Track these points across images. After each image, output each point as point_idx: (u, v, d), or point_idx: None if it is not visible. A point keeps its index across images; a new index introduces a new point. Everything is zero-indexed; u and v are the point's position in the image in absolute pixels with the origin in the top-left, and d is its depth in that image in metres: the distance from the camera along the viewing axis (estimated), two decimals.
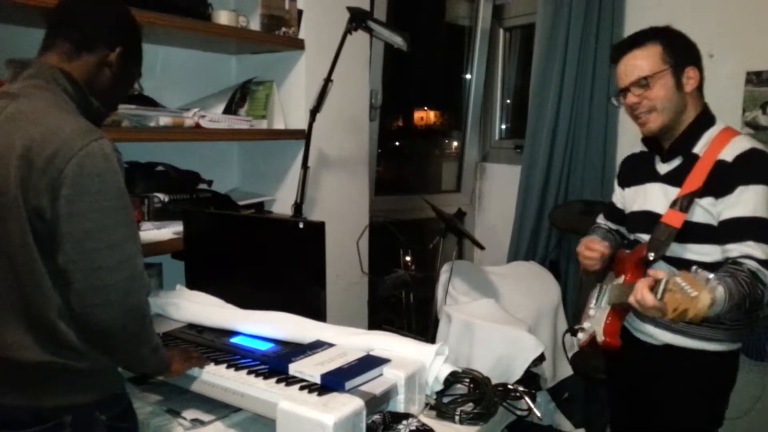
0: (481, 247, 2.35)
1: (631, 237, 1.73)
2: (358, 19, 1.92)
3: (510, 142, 3.40)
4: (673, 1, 2.56)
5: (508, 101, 3.52)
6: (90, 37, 1.22)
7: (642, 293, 1.33)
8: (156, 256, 2.02)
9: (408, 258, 2.64)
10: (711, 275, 1.26)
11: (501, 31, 3.39)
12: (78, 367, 1.15)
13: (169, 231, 1.93)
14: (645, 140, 1.68)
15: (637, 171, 1.70)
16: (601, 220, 1.90)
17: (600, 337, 1.60)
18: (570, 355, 2.05)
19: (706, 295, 1.20)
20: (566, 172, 2.82)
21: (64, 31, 1.21)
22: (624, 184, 1.76)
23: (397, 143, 3.57)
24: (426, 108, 3.67)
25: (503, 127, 3.53)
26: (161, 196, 1.95)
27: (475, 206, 3.52)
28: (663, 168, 1.62)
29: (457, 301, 2.23)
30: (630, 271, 1.60)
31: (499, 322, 1.91)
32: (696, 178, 1.49)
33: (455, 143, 3.63)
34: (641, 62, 1.53)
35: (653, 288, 1.30)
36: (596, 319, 1.67)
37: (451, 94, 3.53)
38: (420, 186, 3.66)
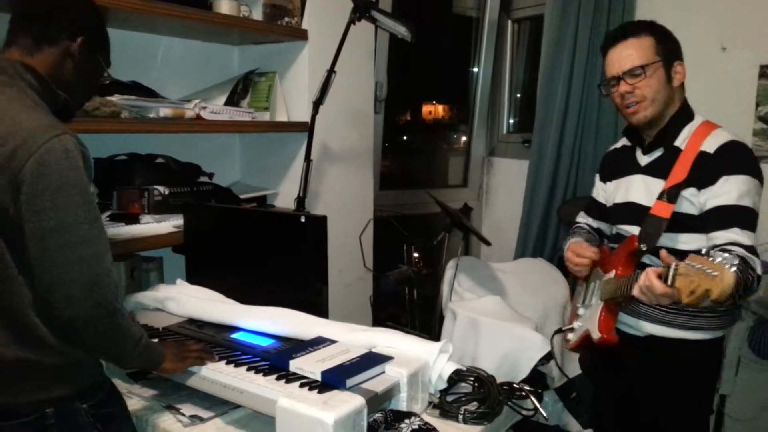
0: (488, 243, 2.31)
1: (613, 230, 1.76)
2: (361, 9, 1.88)
3: (518, 136, 3.35)
4: None
5: (517, 95, 3.47)
6: (49, 29, 1.20)
7: (650, 280, 1.34)
8: (156, 250, 1.99)
9: (413, 254, 2.61)
10: (725, 255, 1.26)
11: (509, 22, 3.34)
12: (51, 362, 1.15)
13: (169, 224, 1.91)
14: (627, 132, 1.72)
15: (619, 164, 1.73)
16: (581, 218, 1.92)
17: (596, 335, 1.60)
18: (561, 355, 2.05)
19: (728, 273, 1.20)
20: (575, 167, 2.78)
21: (24, 25, 1.20)
22: (606, 178, 1.79)
23: (402, 137, 3.53)
24: (433, 101, 3.63)
25: (511, 120, 3.48)
26: (161, 188, 1.92)
27: (482, 201, 3.48)
28: (644, 160, 1.65)
29: (463, 297, 2.19)
30: (621, 264, 1.61)
31: (505, 319, 1.88)
32: (680, 170, 1.53)
33: (462, 137, 3.59)
34: (636, 52, 1.55)
35: (661, 275, 1.33)
36: (588, 318, 1.66)
37: (458, 87, 3.49)
38: (426, 180, 3.62)
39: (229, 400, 1.34)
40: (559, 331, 1.80)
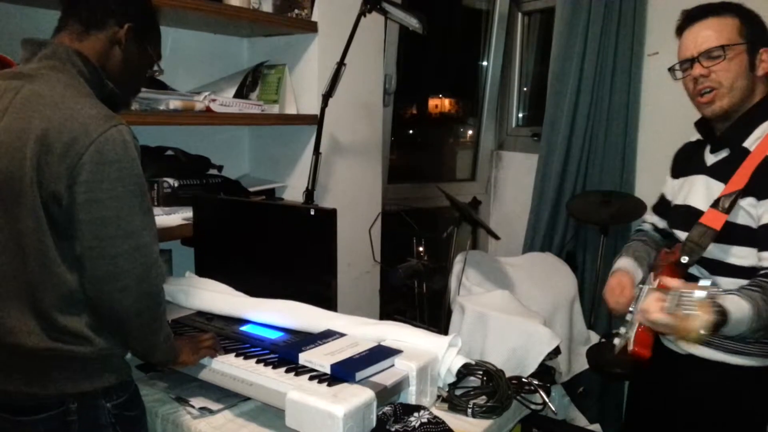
0: (496, 237, 2.30)
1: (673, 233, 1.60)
2: (372, 1, 1.87)
3: (527, 129, 3.33)
4: None
5: (526, 88, 3.44)
6: (98, 14, 1.20)
7: (649, 304, 1.21)
8: (165, 242, 1.99)
9: (421, 247, 2.61)
10: (725, 295, 1.17)
11: (519, 15, 3.31)
12: (84, 353, 1.14)
13: (178, 217, 1.91)
14: (699, 125, 1.54)
15: (688, 160, 1.57)
16: (648, 216, 1.76)
17: (630, 346, 1.45)
18: (567, 350, 1.99)
19: (704, 316, 1.10)
20: (585, 161, 2.75)
21: (74, 10, 1.20)
22: (675, 174, 1.62)
23: (411, 130, 3.52)
24: (441, 95, 3.61)
25: (520, 114, 3.46)
26: (171, 181, 1.93)
27: (490, 195, 3.46)
28: (710, 159, 1.48)
29: (471, 291, 2.18)
30: (665, 274, 1.45)
31: (513, 313, 1.87)
32: (742, 175, 1.35)
33: (471, 131, 3.57)
34: (716, 32, 1.38)
35: (661, 299, 1.19)
36: (631, 325, 1.56)
37: (468, 81, 3.47)
38: (434, 174, 3.61)
39: (239, 392, 1.35)
40: (606, 335, 1.68)
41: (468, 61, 3.43)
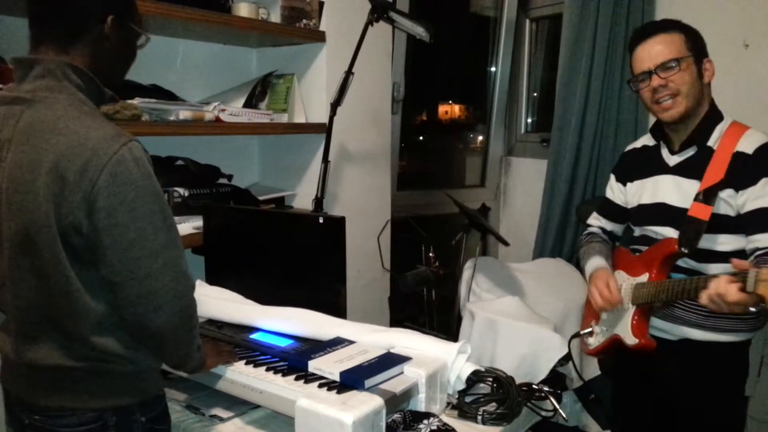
0: (506, 243, 2.30)
1: (637, 231, 1.72)
2: (379, 10, 1.88)
3: (536, 135, 3.33)
4: None
5: (535, 94, 3.44)
6: (78, 20, 1.13)
7: (725, 288, 1.31)
8: None
9: (431, 253, 2.60)
10: None
11: (527, 21, 3.32)
12: (122, 370, 1.15)
13: (189, 226, 1.92)
14: (653, 131, 1.69)
15: (641, 164, 1.70)
16: (594, 221, 1.89)
17: (631, 340, 1.58)
18: (579, 357, 2.02)
19: None
20: (594, 166, 2.75)
21: (49, 21, 1.13)
22: (626, 179, 1.76)
23: (420, 137, 3.53)
24: (450, 101, 3.62)
25: (529, 120, 3.46)
26: (181, 190, 1.94)
27: (499, 201, 3.46)
28: (673, 159, 1.62)
29: (481, 298, 2.18)
30: (655, 268, 1.58)
31: (523, 320, 1.86)
32: (716, 170, 1.50)
33: (479, 137, 3.57)
34: (667, 47, 1.53)
35: (736, 282, 1.30)
36: (614, 322, 1.63)
37: (476, 87, 3.47)
38: (443, 181, 3.61)
39: (249, 400, 1.36)
40: (576, 335, 1.78)
41: (476, 68, 3.44)
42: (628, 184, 1.75)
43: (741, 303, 1.30)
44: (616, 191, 1.80)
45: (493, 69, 3.37)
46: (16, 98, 1.11)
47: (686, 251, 1.52)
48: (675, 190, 1.59)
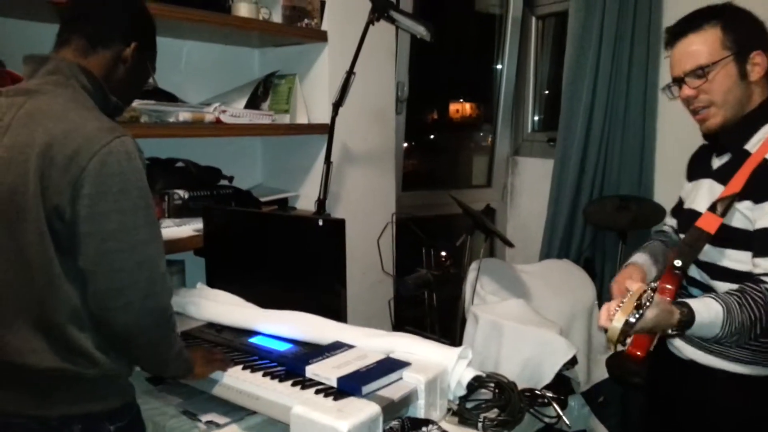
0: (510, 245, 2.26)
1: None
2: (380, 9, 1.86)
3: (543, 135, 3.29)
4: None
5: (542, 92, 3.40)
6: (105, 32, 1.20)
7: (603, 311, 1.20)
8: (179, 253, 2.00)
9: (443, 254, 2.55)
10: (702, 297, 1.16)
11: (533, 19, 3.27)
12: (90, 374, 1.12)
13: (189, 228, 1.91)
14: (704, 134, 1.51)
15: (698, 164, 1.54)
16: (668, 218, 1.72)
17: (627, 345, 1.40)
18: (587, 358, 1.94)
19: (620, 316, 1.12)
20: (601, 166, 2.70)
21: (79, 26, 1.19)
22: (689, 178, 1.58)
23: (425, 137, 3.50)
24: (456, 100, 3.59)
25: (536, 118, 3.42)
26: (181, 192, 1.93)
27: (506, 202, 3.42)
28: (716, 162, 1.45)
29: (485, 300, 2.15)
30: (665, 277, 1.41)
31: (528, 323, 1.83)
32: (739, 178, 1.32)
33: (486, 136, 3.53)
34: (698, 49, 1.34)
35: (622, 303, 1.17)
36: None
37: (482, 85, 3.44)
38: (449, 181, 3.58)
39: (245, 406, 1.34)
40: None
41: (482, 66, 3.40)
42: (688, 184, 1.58)
43: (614, 329, 1.15)
44: (684, 189, 1.62)
45: (499, 67, 3.33)
46: (21, 89, 1.15)
47: (679, 264, 1.32)
48: (707, 197, 1.42)
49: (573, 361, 1.80)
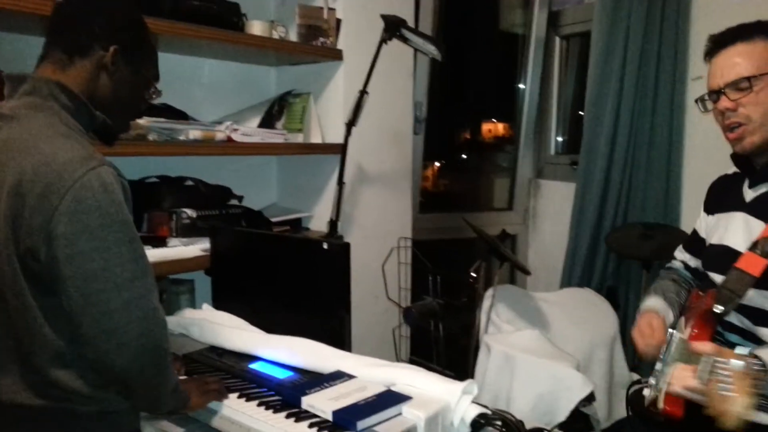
0: (527, 272, 2.18)
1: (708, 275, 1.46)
2: (392, 28, 1.83)
3: (566, 157, 3.20)
4: (752, 2, 2.23)
5: (567, 113, 3.32)
6: (81, 39, 1.11)
7: (677, 374, 1.13)
8: (188, 273, 1.97)
9: (472, 276, 2.41)
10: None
11: (557, 39, 3.21)
12: (87, 411, 1.07)
13: (196, 248, 1.88)
14: (735, 157, 1.42)
15: (725, 196, 1.44)
16: (678, 254, 1.63)
17: (660, 404, 1.28)
18: (607, 394, 1.83)
19: (744, 399, 0.99)
20: (625, 191, 2.61)
21: (56, 37, 1.13)
22: (709, 210, 1.50)
23: (445, 158, 3.43)
24: (478, 120, 3.53)
25: (559, 139, 3.34)
26: (189, 211, 1.91)
27: (528, 226, 3.33)
28: (749, 194, 1.36)
29: (500, 329, 2.07)
30: (698, 324, 1.32)
31: (543, 356, 1.75)
32: None
33: (508, 157, 3.46)
34: (744, 60, 1.27)
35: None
36: (661, 377, 1.38)
37: (505, 106, 3.38)
38: (469, 203, 3.51)
39: None
40: (637, 383, 1.53)
41: (505, 86, 3.35)
42: (710, 217, 1.49)
43: (697, 396, 1.08)
44: (702, 222, 1.54)
45: (522, 87, 3.27)
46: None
47: (719, 311, 1.24)
48: (743, 232, 1.33)
49: (591, 398, 1.71)
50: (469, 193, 3.59)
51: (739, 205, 1.37)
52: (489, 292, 2.14)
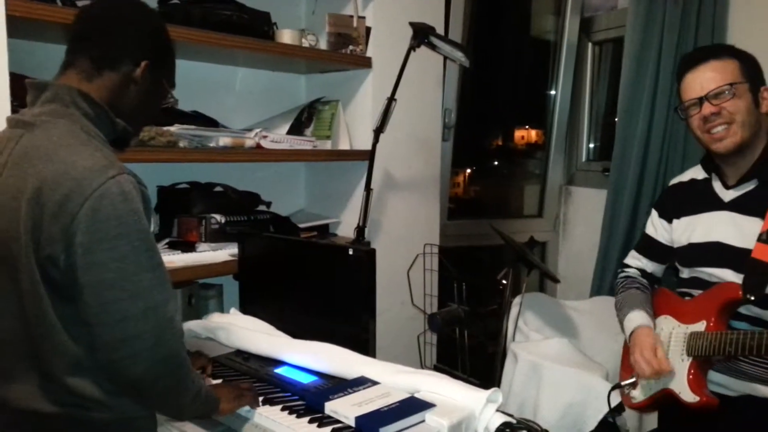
0: (556, 280, 2.16)
1: (686, 272, 1.57)
2: (420, 36, 1.83)
3: (598, 164, 3.15)
4: None
5: (599, 120, 3.27)
6: (111, 53, 1.12)
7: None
8: (217, 277, 2.00)
9: (503, 279, 2.39)
10: None
11: (589, 45, 3.17)
12: (105, 418, 1.07)
13: (225, 253, 1.91)
14: (705, 163, 1.58)
15: (691, 199, 1.59)
16: (633, 260, 1.74)
17: (689, 397, 1.40)
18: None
19: None
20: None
21: (83, 47, 1.12)
22: (671, 215, 1.63)
23: (475, 164, 3.41)
24: (509, 126, 3.50)
25: (591, 145, 3.29)
26: (218, 217, 1.94)
27: (559, 233, 3.29)
28: (728, 194, 1.50)
29: (528, 337, 2.04)
30: (713, 315, 1.42)
31: (571, 365, 1.72)
32: None
33: (539, 164, 3.43)
34: (719, 73, 1.43)
35: None
36: (670, 376, 1.46)
37: (536, 112, 3.35)
38: (499, 210, 3.48)
39: None
40: (616, 386, 1.58)
41: (536, 92, 3.32)
42: (675, 221, 1.62)
43: None
44: (659, 228, 1.67)
45: (553, 93, 3.23)
46: (20, 121, 1.08)
47: (752, 298, 1.36)
48: (733, 229, 1.46)
49: (620, 408, 1.68)
50: (499, 199, 3.56)
51: (718, 204, 1.51)
52: (517, 300, 2.12)
